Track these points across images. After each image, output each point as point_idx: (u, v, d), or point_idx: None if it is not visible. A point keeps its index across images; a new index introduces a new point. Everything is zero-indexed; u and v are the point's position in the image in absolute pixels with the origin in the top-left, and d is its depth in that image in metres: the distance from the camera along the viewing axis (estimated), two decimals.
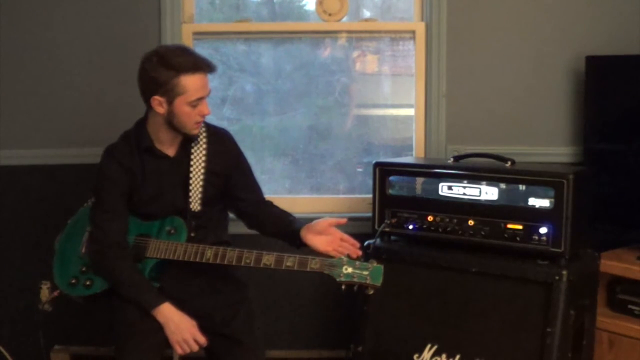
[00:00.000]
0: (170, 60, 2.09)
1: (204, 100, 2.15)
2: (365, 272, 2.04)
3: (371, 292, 2.06)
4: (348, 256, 2.08)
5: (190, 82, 2.10)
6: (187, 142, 2.26)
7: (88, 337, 3.03)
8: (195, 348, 2.11)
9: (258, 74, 3.13)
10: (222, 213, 2.39)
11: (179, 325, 2.09)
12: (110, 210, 2.20)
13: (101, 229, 2.20)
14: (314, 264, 2.07)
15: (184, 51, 2.17)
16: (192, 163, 2.25)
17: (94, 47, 2.93)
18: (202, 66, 2.12)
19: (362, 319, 2.48)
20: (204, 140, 2.28)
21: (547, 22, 2.90)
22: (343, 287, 2.05)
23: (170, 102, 2.12)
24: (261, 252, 2.12)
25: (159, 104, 2.13)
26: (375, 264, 2.05)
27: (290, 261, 2.08)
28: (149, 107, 2.18)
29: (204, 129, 2.30)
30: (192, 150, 2.26)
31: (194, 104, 2.12)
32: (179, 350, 2.10)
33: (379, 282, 2.03)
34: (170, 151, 2.25)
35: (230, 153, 2.34)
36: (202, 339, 2.11)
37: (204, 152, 2.27)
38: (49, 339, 2.70)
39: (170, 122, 2.16)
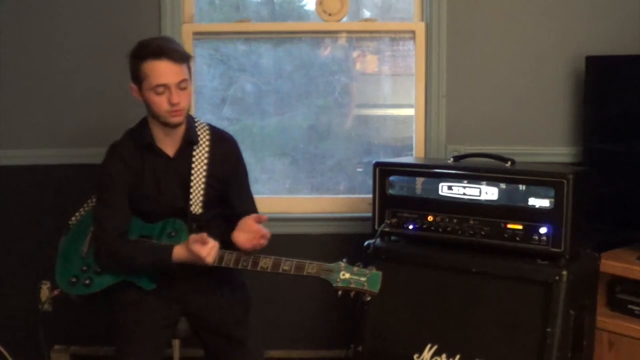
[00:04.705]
0: (137, 48, 2.16)
1: (170, 87, 2.12)
2: (363, 279, 2.01)
3: (368, 298, 2.03)
4: (346, 261, 2.07)
5: (150, 68, 2.12)
6: (188, 143, 2.26)
7: (88, 337, 3.03)
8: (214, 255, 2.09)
9: (258, 74, 3.12)
10: (222, 216, 2.38)
11: (197, 256, 2.07)
12: (113, 208, 2.21)
13: (103, 226, 2.21)
14: (310, 269, 2.05)
15: (157, 39, 2.20)
16: (193, 166, 2.25)
17: (94, 48, 2.93)
18: (165, 52, 2.12)
19: (362, 319, 2.48)
20: (207, 143, 2.28)
21: (547, 22, 2.90)
22: (339, 292, 2.03)
23: (139, 89, 2.16)
24: (259, 255, 2.11)
25: (135, 92, 2.19)
26: (373, 270, 2.02)
27: (287, 265, 2.07)
28: None
29: (207, 132, 2.30)
30: (194, 153, 2.26)
31: (158, 90, 2.13)
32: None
33: (376, 289, 2.00)
34: (170, 151, 2.26)
35: (231, 157, 2.34)
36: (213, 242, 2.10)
37: (206, 155, 2.27)
38: (49, 339, 2.70)
39: (150, 112, 2.20)
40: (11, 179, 2.99)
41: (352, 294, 2.03)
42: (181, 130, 2.24)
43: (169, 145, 2.25)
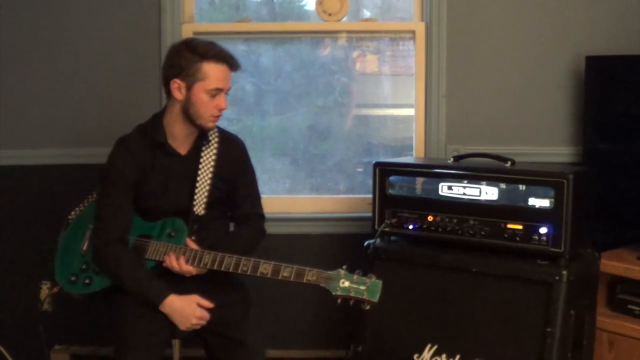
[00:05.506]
0: (197, 47, 2.15)
1: (222, 93, 2.18)
2: (363, 287, 2.00)
3: (367, 307, 2.01)
4: (346, 268, 2.05)
5: (212, 70, 2.13)
6: (200, 142, 2.26)
7: (88, 337, 3.03)
8: (203, 323, 2.15)
9: (258, 74, 3.13)
10: (224, 217, 2.38)
11: (182, 314, 2.12)
12: (115, 205, 2.21)
13: (104, 224, 2.20)
14: (310, 276, 2.05)
15: (213, 43, 2.21)
16: (201, 166, 2.25)
17: (94, 47, 2.93)
18: (227, 58, 2.17)
19: (362, 319, 2.48)
20: (215, 145, 2.28)
21: (547, 22, 2.90)
22: (339, 301, 2.02)
23: (189, 88, 2.14)
24: (259, 260, 2.11)
25: (177, 89, 2.15)
26: (373, 279, 2.01)
27: (287, 272, 2.07)
28: (168, 96, 2.20)
29: (217, 134, 2.30)
30: (203, 154, 2.26)
31: (213, 93, 2.15)
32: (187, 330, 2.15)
33: (376, 298, 1.99)
34: (182, 149, 2.26)
35: (238, 159, 2.34)
36: (208, 305, 2.14)
37: (213, 156, 2.27)
38: (49, 339, 2.69)
39: (187, 111, 2.17)
40: (11, 179, 2.99)
41: (351, 303, 2.03)
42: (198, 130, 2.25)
43: (182, 144, 2.25)
